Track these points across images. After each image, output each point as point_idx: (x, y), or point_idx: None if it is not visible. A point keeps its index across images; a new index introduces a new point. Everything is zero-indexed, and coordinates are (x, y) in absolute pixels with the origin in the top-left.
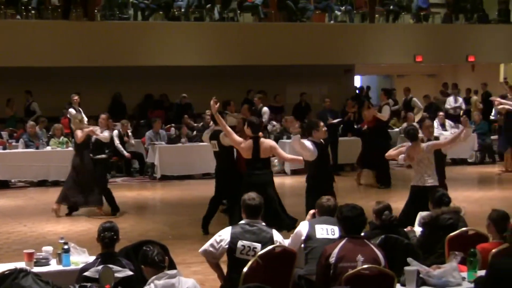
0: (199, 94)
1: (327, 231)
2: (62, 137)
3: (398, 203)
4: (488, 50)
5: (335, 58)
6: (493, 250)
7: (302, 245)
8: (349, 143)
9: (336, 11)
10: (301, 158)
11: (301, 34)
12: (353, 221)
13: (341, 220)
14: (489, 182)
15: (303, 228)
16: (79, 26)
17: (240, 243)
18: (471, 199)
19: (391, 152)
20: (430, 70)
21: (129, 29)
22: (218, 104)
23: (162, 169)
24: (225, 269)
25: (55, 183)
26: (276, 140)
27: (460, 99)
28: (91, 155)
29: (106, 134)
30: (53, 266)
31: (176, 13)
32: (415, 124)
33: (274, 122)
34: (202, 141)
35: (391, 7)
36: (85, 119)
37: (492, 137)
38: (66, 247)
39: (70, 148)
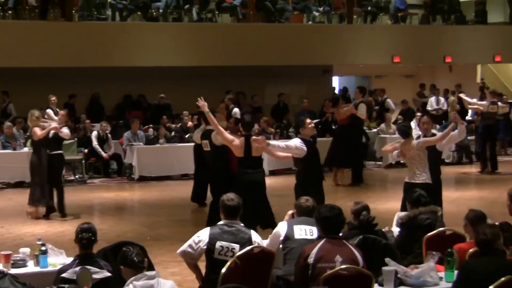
0: (178, 95)
1: (305, 231)
2: None
3: (376, 203)
4: (465, 51)
5: (313, 59)
6: (470, 250)
7: (281, 246)
8: (327, 143)
9: (314, 12)
10: (290, 155)
11: (280, 34)
12: (331, 222)
13: (320, 221)
14: (466, 182)
15: (281, 228)
16: (56, 27)
17: (218, 243)
18: (449, 199)
19: (387, 148)
20: (407, 70)
21: (107, 30)
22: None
23: (140, 170)
24: (203, 270)
25: None
26: None
27: (442, 100)
28: (48, 151)
29: (66, 131)
30: (31, 267)
31: (154, 13)
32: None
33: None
34: (180, 142)
35: (369, 8)
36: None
37: (469, 137)
38: (43, 248)
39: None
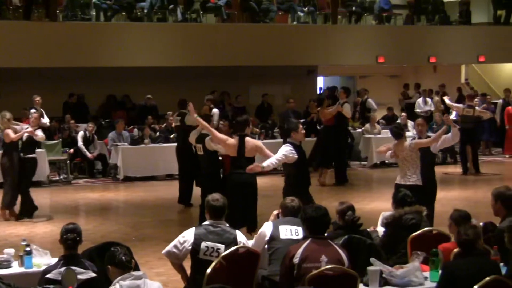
0: (162, 95)
1: (291, 231)
2: None
3: (361, 203)
4: (450, 51)
5: (298, 59)
6: (455, 250)
7: (266, 246)
8: (312, 143)
9: (299, 12)
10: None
11: (264, 35)
12: (317, 222)
13: (305, 221)
14: (450, 182)
15: (266, 228)
16: (40, 27)
17: (203, 244)
18: None
19: (381, 148)
20: (392, 71)
21: (91, 30)
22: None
23: (125, 170)
24: (188, 270)
25: None
26: None
27: (430, 101)
28: (21, 154)
29: (41, 133)
30: (15, 268)
31: (139, 14)
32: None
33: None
34: (165, 142)
35: (354, 8)
36: (47, 120)
37: None
38: (28, 249)
39: None
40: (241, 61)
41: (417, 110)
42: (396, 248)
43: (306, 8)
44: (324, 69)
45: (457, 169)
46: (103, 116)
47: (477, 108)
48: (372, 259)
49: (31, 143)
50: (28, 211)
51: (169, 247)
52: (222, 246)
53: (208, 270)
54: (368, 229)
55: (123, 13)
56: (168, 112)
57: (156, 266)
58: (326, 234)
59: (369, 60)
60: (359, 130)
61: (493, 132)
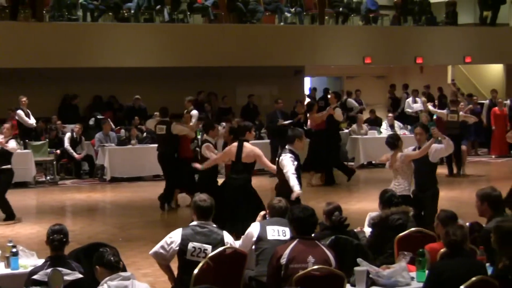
0: (149, 96)
1: (278, 232)
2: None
3: (348, 204)
4: (436, 52)
5: (285, 60)
6: (441, 250)
7: (253, 247)
8: None
9: (286, 13)
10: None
11: (251, 35)
12: (304, 222)
13: (292, 221)
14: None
15: (254, 229)
16: (27, 27)
17: (190, 244)
18: None
19: (382, 158)
20: (379, 71)
21: (78, 30)
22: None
23: (112, 171)
24: (175, 271)
25: None
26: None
27: (419, 101)
28: None
29: (13, 144)
30: (1, 269)
31: (126, 14)
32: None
33: (224, 124)
34: (152, 143)
35: (341, 9)
36: (34, 121)
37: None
38: (14, 250)
39: (19, 150)
40: (228, 61)
41: (408, 110)
42: (383, 249)
43: (293, 9)
44: (311, 70)
45: (443, 169)
46: (90, 117)
47: (461, 113)
48: (359, 260)
49: (4, 155)
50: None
51: (156, 247)
52: (209, 247)
53: (195, 271)
54: (355, 230)
55: (110, 14)
56: (155, 113)
57: (143, 267)
58: (313, 235)
59: (356, 60)
60: (346, 130)
61: (479, 133)
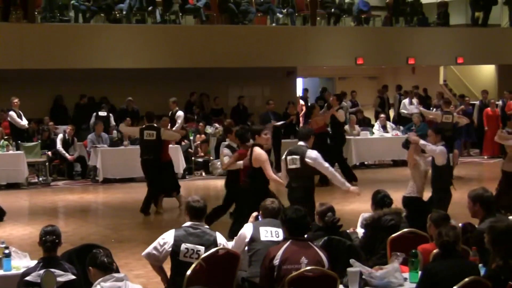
0: (141, 97)
1: (271, 233)
2: (2, 141)
3: (340, 204)
4: (428, 52)
5: (277, 61)
6: (434, 251)
7: (246, 248)
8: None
9: (277, 14)
10: (282, 182)
11: (243, 36)
12: (297, 223)
13: (285, 222)
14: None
15: (247, 230)
16: (19, 28)
17: (183, 246)
18: None
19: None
20: (371, 72)
21: (70, 32)
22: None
23: (104, 172)
24: (168, 272)
25: None
26: (218, 143)
27: (415, 102)
28: None
29: None
30: None
31: (118, 15)
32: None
33: (216, 125)
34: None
35: (332, 10)
36: (26, 122)
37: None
38: (7, 251)
39: (11, 152)
40: (220, 62)
41: (403, 111)
42: (376, 249)
43: (285, 10)
44: (303, 71)
45: None
46: (81, 118)
47: (455, 114)
48: (351, 260)
49: None
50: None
51: (149, 249)
52: (202, 248)
53: (188, 272)
54: (348, 230)
55: (102, 15)
56: (127, 118)
57: (135, 268)
58: (306, 236)
59: (348, 61)
60: None
61: (471, 133)
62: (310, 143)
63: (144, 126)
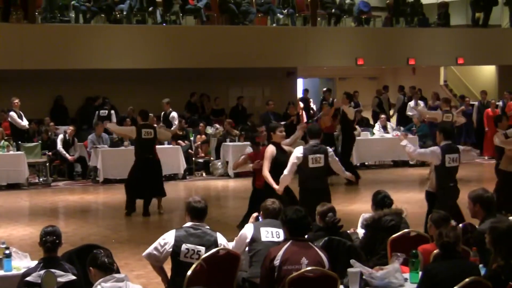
0: (141, 97)
1: (272, 233)
2: (2, 141)
3: (341, 205)
4: (429, 53)
5: (277, 61)
6: (434, 251)
7: (247, 248)
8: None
9: (278, 14)
10: (276, 186)
11: (244, 37)
12: (297, 224)
13: (286, 223)
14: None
15: (247, 230)
16: (19, 29)
17: (184, 246)
18: (413, 200)
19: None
20: (371, 73)
21: (70, 32)
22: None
23: (104, 172)
24: (169, 272)
25: None
26: (219, 143)
27: (422, 103)
28: None
29: None
30: None
31: (118, 16)
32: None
33: (217, 125)
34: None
35: (333, 10)
36: (26, 122)
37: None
38: (7, 251)
39: (12, 152)
40: (221, 63)
41: (409, 113)
42: (376, 250)
43: (285, 10)
44: (303, 71)
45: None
46: (82, 119)
47: (454, 113)
48: (352, 261)
49: None
50: None
51: (150, 249)
52: (202, 248)
53: (189, 273)
54: (348, 231)
55: (102, 15)
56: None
57: (136, 269)
58: (306, 236)
59: (349, 62)
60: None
61: (470, 134)
62: (320, 141)
63: (141, 124)
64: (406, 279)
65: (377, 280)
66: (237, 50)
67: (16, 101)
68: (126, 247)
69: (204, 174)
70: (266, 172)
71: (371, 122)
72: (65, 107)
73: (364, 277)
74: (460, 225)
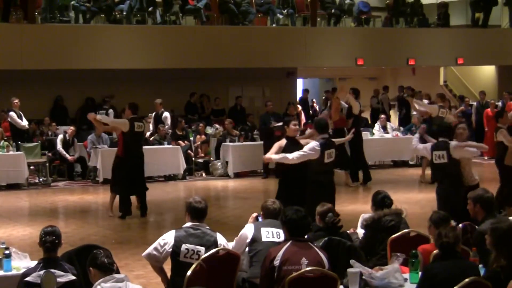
0: (141, 97)
1: (272, 234)
2: (2, 141)
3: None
4: (428, 53)
5: (277, 61)
6: (434, 252)
7: (247, 248)
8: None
9: (278, 15)
10: (267, 156)
11: (243, 37)
12: (297, 224)
13: (285, 223)
14: (429, 184)
15: (248, 230)
16: (19, 29)
17: (184, 246)
18: (412, 200)
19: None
20: (371, 73)
21: (70, 32)
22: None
23: (104, 172)
24: (168, 272)
25: None
26: (219, 143)
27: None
28: None
29: None
30: None
31: (118, 16)
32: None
33: (217, 125)
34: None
35: (333, 10)
36: (26, 123)
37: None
38: (7, 252)
39: (11, 152)
40: (220, 63)
41: (414, 113)
42: (376, 250)
43: (285, 11)
44: (303, 71)
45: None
46: (82, 119)
47: (446, 109)
48: (352, 261)
49: None
50: None
51: (150, 249)
52: (202, 249)
53: (188, 273)
54: (348, 231)
55: (102, 15)
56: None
57: (135, 269)
58: (306, 236)
59: (348, 62)
60: None
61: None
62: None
63: (132, 117)
64: (405, 279)
65: (377, 280)
66: (237, 51)
67: (16, 101)
68: (126, 247)
69: (204, 174)
70: (268, 155)
71: (370, 122)
72: (65, 107)
73: (364, 277)
74: (460, 225)
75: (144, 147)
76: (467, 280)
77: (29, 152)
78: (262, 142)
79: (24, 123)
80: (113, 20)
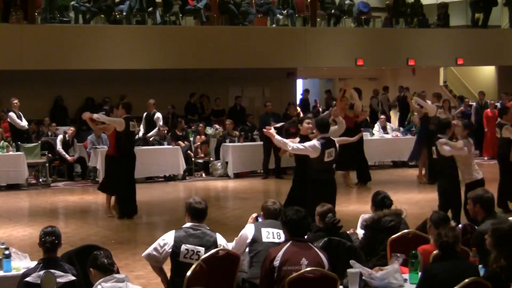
0: (141, 98)
1: (273, 234)
2: (2, 142)
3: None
4: (428, 54)
5: (277, 62)
6: (434, 252)
7: (247, 249)
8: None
9: (277, 15)
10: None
11: (243, 37)
12: (297, 224)
13: (286, 223)
14: (429, 184)
15: (248, 231)
16: (19, 29)
17: (183, 247)
18: (412, 201)
19: None
20: (371, 73)
21: (70, 33)
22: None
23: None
24: (168, 273)
25: None
26: (219, 144)
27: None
28: None
29: None
30: None
31: (118, 16)
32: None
33: (217, 126)
34: (144, 145)
35: (332, 11)
36: (25, 123)
37: None
38: (7, 252)
39: (11, 152)
40: (220, 63)
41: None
42: (376, 250)
43: (285, 11)
44: (303, 72)
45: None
46: (82, 119)
47: (441, 110)
48: (351, 261)
49: None
50: None
51: (149, 250)
52: (202, 249)
53: (188, 273)
54: (348, 231)
55: (102, 16)
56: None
57: (135, 269)
58: (306, 237)
59: (348, 62)
60: None
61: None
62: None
63: (126, 117)
64: (405, 280)
65: (377, 280)
66: (237, 51)
67: (16, 101)
68: (126, 247)
69: (203, 175)
70: (273, 132)
71: (370, 122)
72: (65, 108)
73: (363, 277)
74: (460, 225)
75: (144, 147)
76: (467, 280)
77: (29, 153)
78: (262, 143)
79: (24, 123)
80: (113, 21)
